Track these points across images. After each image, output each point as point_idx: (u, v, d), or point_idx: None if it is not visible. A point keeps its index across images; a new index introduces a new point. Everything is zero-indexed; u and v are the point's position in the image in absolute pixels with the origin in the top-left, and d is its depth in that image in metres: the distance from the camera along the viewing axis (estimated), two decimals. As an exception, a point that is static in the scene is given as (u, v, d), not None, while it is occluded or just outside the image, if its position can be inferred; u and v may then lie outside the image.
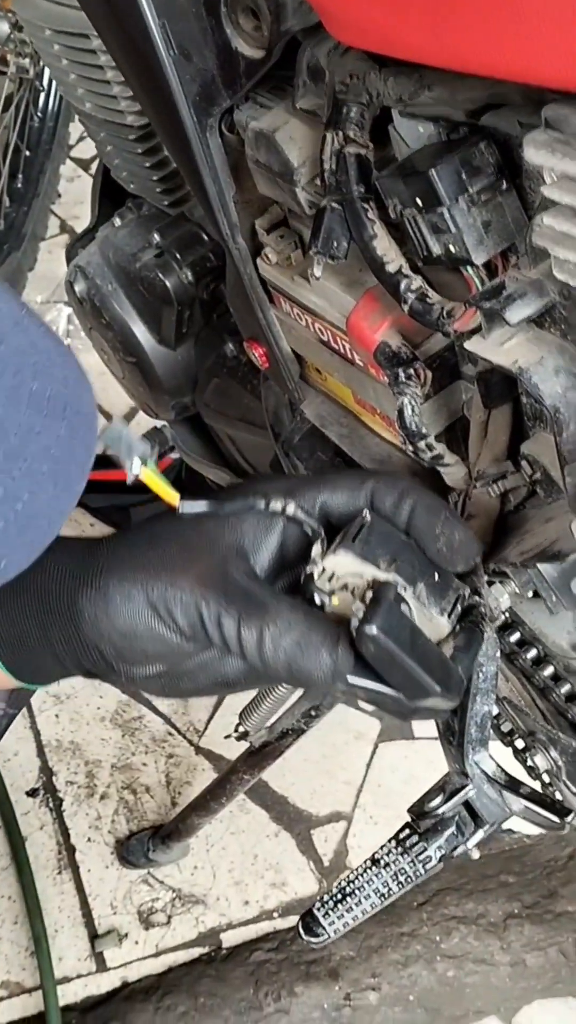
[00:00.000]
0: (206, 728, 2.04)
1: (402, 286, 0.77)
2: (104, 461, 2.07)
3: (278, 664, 0.64)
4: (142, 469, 0.66)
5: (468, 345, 0.72)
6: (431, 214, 0.70)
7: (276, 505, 0.68)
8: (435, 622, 0.69)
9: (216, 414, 1.41)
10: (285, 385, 1.07)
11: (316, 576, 0.67)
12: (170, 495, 0.68)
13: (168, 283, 1.26)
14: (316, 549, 0.68)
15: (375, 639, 0.62)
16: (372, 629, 0.62)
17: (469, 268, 0.73)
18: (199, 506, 0.68)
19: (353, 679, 0.65)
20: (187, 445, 1.58)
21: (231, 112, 0.89)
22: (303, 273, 0.93)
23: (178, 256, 1.25)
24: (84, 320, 1.43)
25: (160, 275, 1.26)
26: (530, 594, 1.18)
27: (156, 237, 1.28)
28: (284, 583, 0.71)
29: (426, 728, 1.88)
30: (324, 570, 0.67)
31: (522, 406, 0.83)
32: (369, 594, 0.65)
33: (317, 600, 0.67)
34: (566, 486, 0.73)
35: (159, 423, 1.62)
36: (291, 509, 0.68)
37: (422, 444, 0.84)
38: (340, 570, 0.67)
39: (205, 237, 1.26)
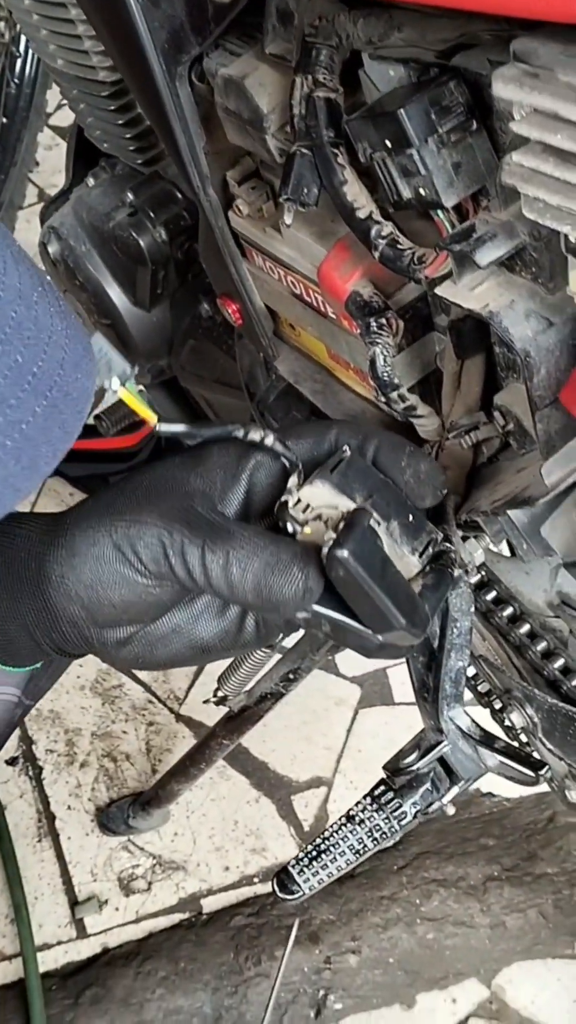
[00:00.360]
0: (186, 696, 2.04)
1: (372, 232, 0.76)
2: (83, 430, 2.05)
3: (246, 587, 0.63)
4: (120, 388, 0.65)
5: (439, 290, 0.72)
6: (401, 156, 0.69)
7: (254, 435, 0.67)
8: (405, 560, 0.69)
9: (192, 376, 1.39)
10: (259, 341, 1.06)
11: (290, 505, 0.66)
12: (148, 414, 0.66)
13: (142, 242, 1.24)
14: (292, 480, 0.67)
15: (345, 562, 0.62)
16: (343, 552, 0.61)
17: (439, 212, 0.72)
18: (177, 427, 0.67)
19: (319, 608, 0.64)
20: (163, 409, 1.57)
21: (200, 61, 0.88)
22: (275, 225, 0.92)
23: (152, 215, 1.24)
24: (58, 282, 1.41)
25: (134, 234, 1.25)
26: (505, 551, 1.18)
27: (129, 196, 1.26)
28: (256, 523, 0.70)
29: (406, 693, 1.88)
30: (299, 500, 0.67)
31: (495, 356, 0.82)
32: (342, 524, 0.64)
33: (289, 528, 0.66)
34: (536, 432, 0.72)
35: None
36: (269, 440, 0.67)
37: (394, 395, 0.83)
38: (315, 501, 0.66)
39: (179, 195, 1.24)
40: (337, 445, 0.68)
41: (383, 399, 0.84)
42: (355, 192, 0.77)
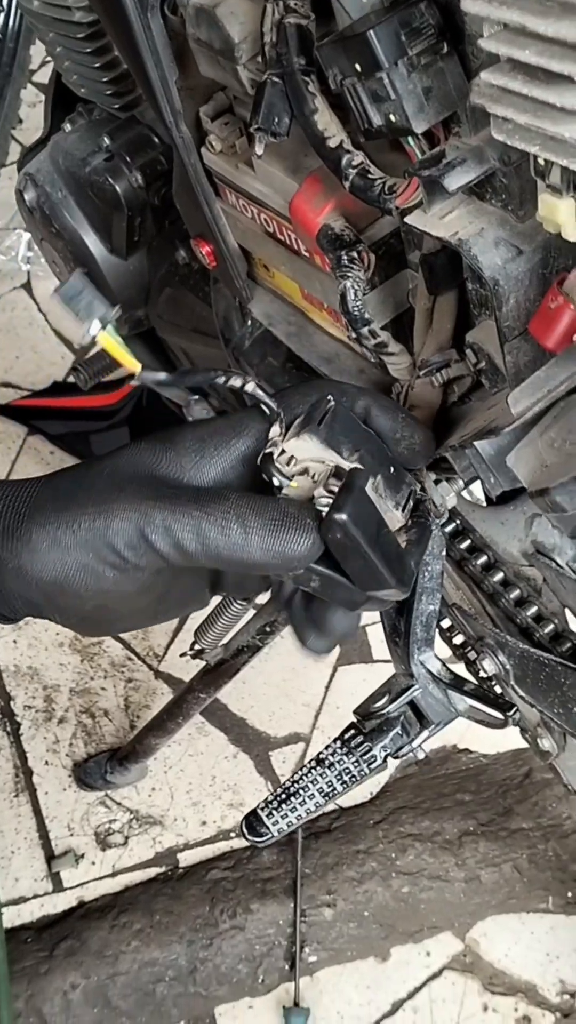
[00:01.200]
0: (165, 653, 2.04)
1: (343, 161, 0.75)
2: (63, 388, 2.05)
3: (251, 550, 0.60)
4: (100, 332, 0.61)
5: (409, 219, 0.71)
6: (371, 81, 0.68)
7: (235, 381, 0.65)
8: (390, 515, 0.69)
9: (169, 326, 1.39)
10: (233, 284, 1.05)
11: (275, 457, 0.65)
12: (130, 361, 0.63)
13: (118, 187, 1.23)
14: (275, 430, 0.66)
15: (344, 526, 0.61)
16: (343, 516, 0.61)
17: (410, 139, 0.71)
18: (159, 375, 0.65)
19: (313, 564, 0.64)
20: (141, 361, 1.55)
21: (173, -9, 0.87)
22: (247, 161, 0.91)
23: (128, 159, 1.23)
24: (35, 230, 1.40)
25: (110, 179, 1.23)
26: (481, 500, 1.18)
27: (106, 140, 1.25)
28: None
29: (385, 651, 1.88)
30: (283, 452, 0.65)
31: (468, 293, 0.82)
32: (333, 481, 0.63)
33: (276, 482, 0.65)
34: (505, 364, 0.71)
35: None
36: (250, 387, 0.65)
37: (365, 330, 0.82)
38: (301, 454, 0.65)
39: (156, 140, 1.23)
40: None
41: (354, 336, 0.84)
42: (326, 121, 0.76)
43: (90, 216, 1.31)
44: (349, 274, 0.81)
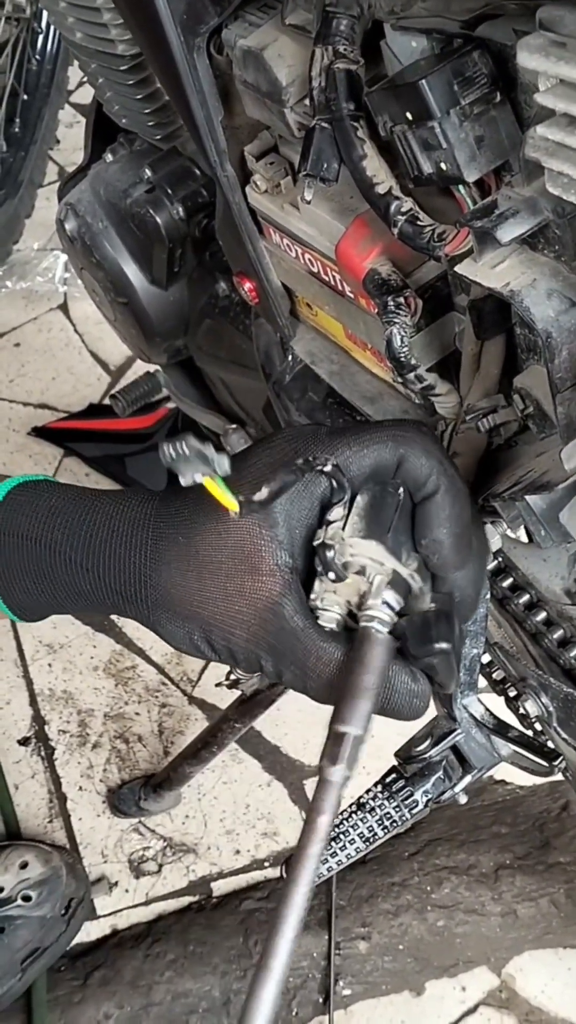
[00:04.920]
0: (199, 678, 2.04)
1: (392, 208, 0.74)
2: (98, 410, 2.05)
3: None
4: (205, 479, 0.64)
5: (459, 268, 0.70)
6: (422, 129, 0.67)
7: (326, 467, 0.66)
8: (424, 597, 0.69)
9: (208, 357, 1.38)
10: (275, 321, 1.05)
11: (335, 553, 0.65)
12: (230, 504, 0.64)
13: (159, 219, 1.23)
14: (338, 512, 0.66)
15: (449, 654, 0.64)
16: (447, 647, 0.64)
17: (461, 188, 0.70)
18: (254, 507, 0.66)
19: None
20: (180, 390, 1.55)
21: (219, 32, 0.86)
22: (293, 201, 0.91)
23: (169, 191, 1.22)
24: (75, 259, 1.40)
25: (151, 211, 1.23)
26: (523, 537, 1.17)
27: (147, 172, 1.25)
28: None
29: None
30: (343, 546, 0.66)
31: (516, 338, 0.81)
32: (388, 593, 0.65)
33: (331, 576, 0.65)
34: (556, 415, 0.70)
35: (152, 368, 1.60)
36: (328, 468, 0.66)
37: (411, 375, 0.81)
38: (362, 552, 0.66)
39: (197, 172, 1.23)
40: (400, 468, 0.67)
41: (400, 380, 0.83)
42: (375, 167, 0.75)
43: (130, 247, 1.31)
44: (396, 319, 0.80)
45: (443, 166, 0.69)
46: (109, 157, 1.34)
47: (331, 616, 0.67)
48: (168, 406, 2.17)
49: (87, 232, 1.33)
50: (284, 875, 0.94)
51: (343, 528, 0.66)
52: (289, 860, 0.62)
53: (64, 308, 2.57)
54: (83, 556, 0.69)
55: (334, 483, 0.66)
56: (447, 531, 0.67)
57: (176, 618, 0.67)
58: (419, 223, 0.74)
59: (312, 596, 0.67)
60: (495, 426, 0.83)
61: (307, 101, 0.80)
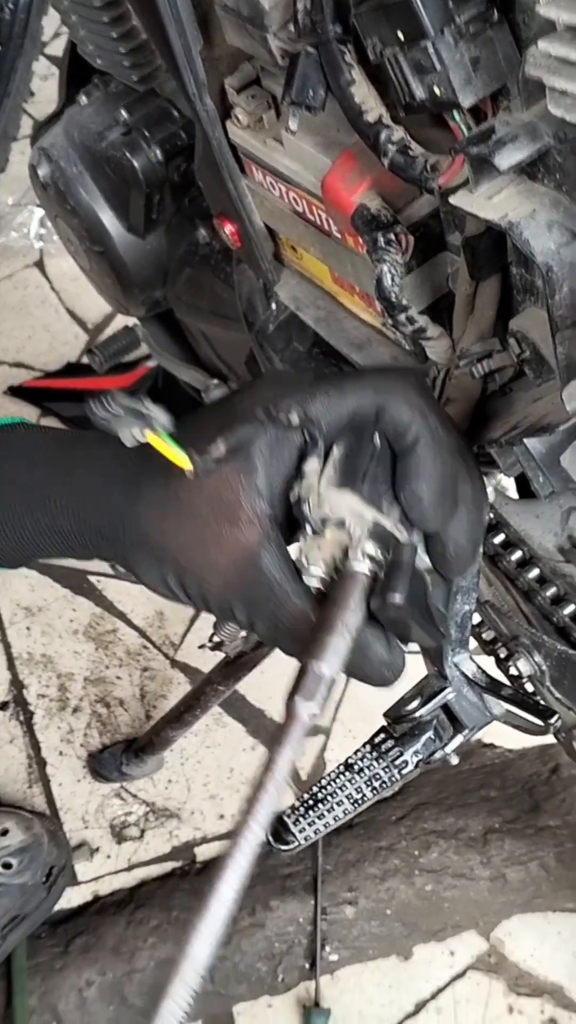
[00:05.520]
0: (182, 641, 2.00)
1: (382, 137, 0.70)
2: (76, 369, 2.00)
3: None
4: (150, 433, 0.61)
5: (453, 200, 0.66)
6: (414, 50, 0.63)
7: (286, 418, 0.64)
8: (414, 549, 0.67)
9: (188, 308, 1.34)
10: (258, 265, 1.00)
11: (311, 507, 0.63)
12: (180, 459, 0.62)
13: (136, 163, 1.18)
14: (312, 465, 0.64)
15: (400, 608, 0.61)
16: (397, 598, 0.60)
17: (456, 114, 0.66)
18: (208, 463, 0.63)
19: None
20: (160, 344, 1.51)
21: (197, -46, 0.81)
22: (276, 136, 0.86)
23: (147, 133, 1.18)
24: (48, 207, 1.35)
25: (127, 154, 1.18)
26: (514, 492, 1.13)
27: (123, 114, 1.20)
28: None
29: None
30: (319, 498, 0.63)
31: (511, 278, 0.77)
32: (369, 545, 0.62)
33: (308, 530, 0.63)
34: (556, 355, 0.66)
35: (130, 321, 1.55)
36: (295, 419, 0.64)
37: (402, 316, 0.77)
38: (339, 504, 0.63)
39: (176, 113, 1.18)
40: (381, 416, 0.64)
41: (390, 322, 0.79)
42: (364, 94, 0.71)
43: (106, 193, 1.26)
44: (386, 257, 0.76)
45: (437, 90, 0.64)
46: (83, 100, 1.28)
47: (315, 572, 0.64)
48: (148, 364, 2.12)
49: (61, 177, 1.28)
50: (270, 840, 0.92)
51: (319, 481, 0.64)
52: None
53: (40, 265, 2.51)
54: (62, 494, 0.67)
55: (306, 435, 0.64)
56: (427, 484, 0.64)
57: (152, 559, 0.65)
58: (411, 153, 0.70)
59: (297, 553, 0.65)
60: (490, 372, 0.79)
61: (291, 26, 0.75)
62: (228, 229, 1.00)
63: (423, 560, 0.68)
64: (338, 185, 0.78)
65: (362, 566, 0.62)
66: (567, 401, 0.64)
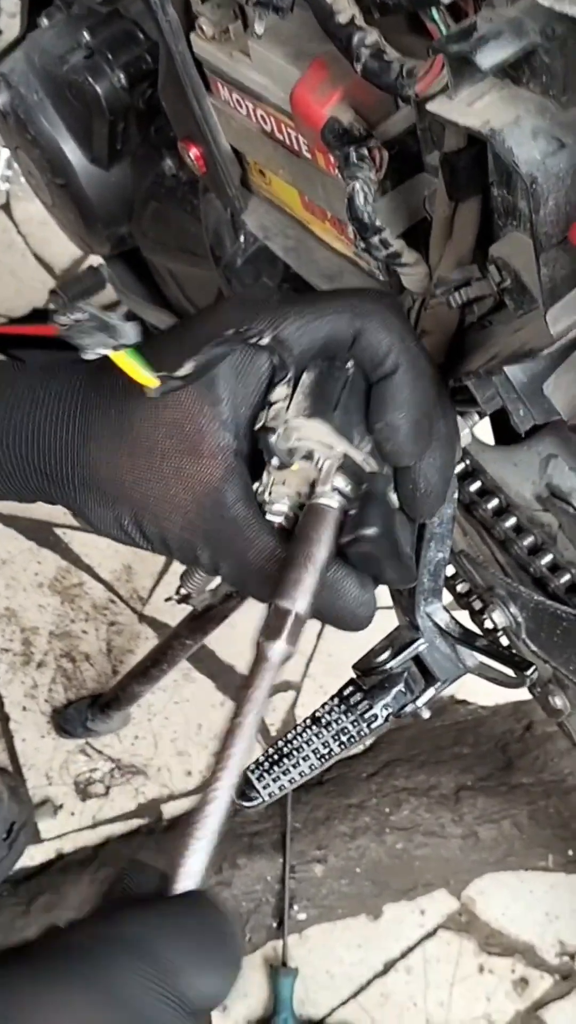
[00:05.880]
0: (150, 595, 1.96)
1: (355, 40, 0.65)
2: (43, 315, 1.92)
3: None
4: (112, 352, 0.56)
5: (431, 107, 0.60)
6: None
7: (262, 340, 0.59)
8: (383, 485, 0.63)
9: (155, 244, 1.28)
10: (225, 192, 0.95)
11: (278, 434, 0.59)
12: (147, 380, 0.56)
13: (99, 88, 1.12)
14: (280, 392, 0.60)
15: (373, 542, 0.58)
16: (371, 531, 0.57)
17: (434, 13, 0.61)
18: (174, 384, 0.57)
19: None
20: (125, 285, 1.45)
21: None
22: (243, 48, 0.80)
23: (110, 57, 1.12)
24: (8, 137, 1.29)
25: (90, 79, 1.12)
26: (490, 440, 1.09)
27: (86, 36, 1.14)
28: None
29: (381, 598, 1.81)
30: (287, 428, 0.59)
31: (492, 201, 0.72)
32: (339, 478, 0.58)
33: (275, 463, 0.59)
34: (540, 278, 0.62)
35: (96, 261, 1.49)
36: (267, 340, 0.59)
37: (375, 239, 0.72)
38: (308, 435, 0.59)
39: (141, 36, 1.12)
40: (357, 342, 0.60)
41: (362, 246, 0.74)
42: (335, -8, 0.65)
43: (68, 121, 1.20)
44: (358, 174, 0.70)
45: (414, -17, 0.59)
46: (45, 22, 1.22)
47: (279, 509, 0.60)
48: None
49: (21, 105, 1.22)
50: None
51: (287, 409, 0.59)
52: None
53: (6, 208, 2.44)
54: (4, 432, 0.61)
55: (275, 359, 0.59)
56: (404, 415, 0.60)
57: (105, 500, 0.60)
58: (386, 57, 0.65)
59: (259, 488, 0.60)
60: (468, 301, 0.74)
61: None
62: (193, 153, 0.94)
63: (391, 498, 0.63)
64: (308, 97, 0.73)
65: (331, 500, 0.58)
66: (551, 324, 0.60)
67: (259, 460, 0.61)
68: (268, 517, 0.60)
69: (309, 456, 0.59)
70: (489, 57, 0.56)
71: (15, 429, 0.61)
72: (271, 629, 0.55)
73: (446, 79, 0.60)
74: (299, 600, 0.55)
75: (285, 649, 0.55)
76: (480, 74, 0.58)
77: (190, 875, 0.51)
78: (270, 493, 0.60)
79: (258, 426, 0.59)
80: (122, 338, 0.56)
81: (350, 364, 0.60)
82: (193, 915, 0.50)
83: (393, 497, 0.63)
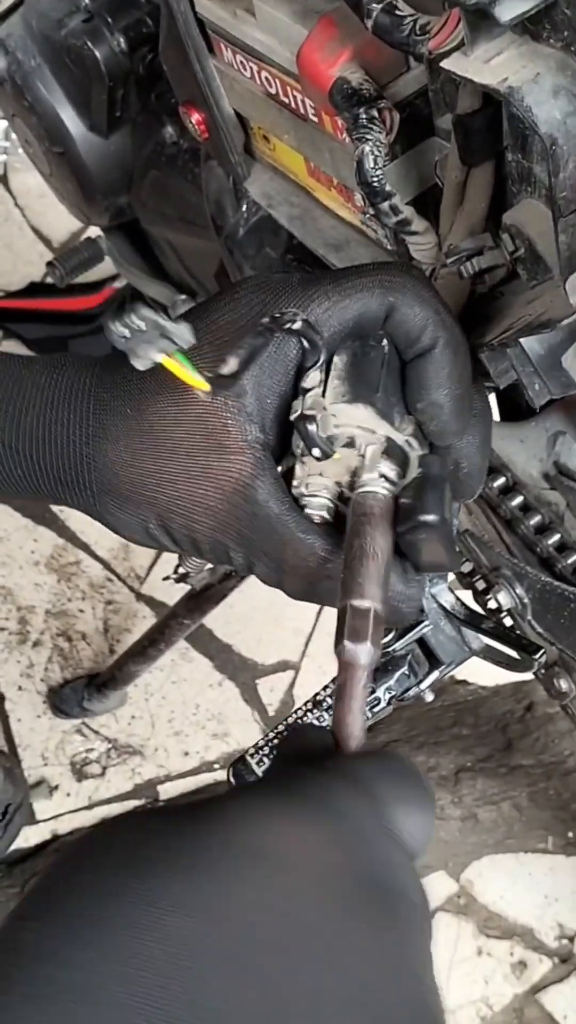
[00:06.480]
0: (148, 574, 1.94)
1: (366, -6, 0.62)
2: (40, 289, 1.89)
3: None
4: (165, 358, 0.53)
5: (446, 64, 0.58)
6: None
7: (294, 325, 0.55)
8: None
9: (154, 215, 1.25)
10: (227, 158, 0.92)
11: (317, 426, 0.55)
12: (200, 384, 0.54)
13: (98, 53, 1.09)
14: (314, 378, 0.56)
15: (437, 527, 0.54)
16: (432, 518, 0.54)
17: (450, -35, 0.58)
18: (225, 383, 0.55)
19: None
20: (124, 257, 1.42)
21: None
22: (247, 7, 0.78)
23: (109, 20, 1.09)
24: (5, 104, 1.26)
25: (88, 43, 1.09)
26: (496, 416, 1.07)
27: (85, -1, 1.11)
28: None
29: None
30: (325, 414, 0.56)
31: (506, 166, 0.69)
32: (384, 463, 0.55)
33: (316, 453, 0.55)
34: (558, 245, 0.59)
35: (94, 232, 1.46)
36: (299, 324, 0.55)
37: (385, 205, 0.70)
38: (346, 418, 0.56)
39: (141, -1, 1.09)
40: (390, 320, 0.57)
41: (371, 213, 0.71)
42: (345, -56, 0.62)
43: (67, 88, 1.17)
44: (368, 136, 0.68)
45: None
46: (43, -16, 1.19)
47: (320, 503, 0.57)
48: (115, 285, 2.04)
49: (18, 71, 1.19)
50: (232, 779, 0.86)
51: (323, 395, 0.56)
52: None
53: (3, 180, 2.41)
54: (12, 436, 0.58)
55: (305, 343, 0.56)
56: (447, 392, 0.57)
57: (128, 504, 0.57)
58: (398, 12, 0.62)
59: (295, 482, 0.57)
60: (480, 271, 0.72)
61: None
62: (195, 118, 0.91)
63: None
64: (315, 56, 0.70)
65: (380, 487, 0.55)
66: (571, 293, 0.57)
67: (283, 453, 0.58)
68: (308, 511, 0.57)
69: (351, 443, 0.56)
70: (508, 10, 0.54)
71: (25, 432, 0.58)
72: (353, 632, 0.51)
73: (461, 34, 0.58)
74: (374, 596, 0.51)
75: (372, 651, 0.51)
76: (498, 29, 0.55)
77: (355, 737, 0.48)
78: (307, 486, 0.57)
79: (294, 415, 0.56)
80: (178, 341, 0.53)
81: (385, 342, 0.57)
82: (386, 763, 0.47)
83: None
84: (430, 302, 0.57)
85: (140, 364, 0.53)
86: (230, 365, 0.55)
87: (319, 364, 0.56)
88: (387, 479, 0.55)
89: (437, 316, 0.57)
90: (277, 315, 0.55)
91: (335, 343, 0.57)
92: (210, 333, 0.57)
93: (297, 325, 0.55)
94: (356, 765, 0.46)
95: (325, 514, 0.57)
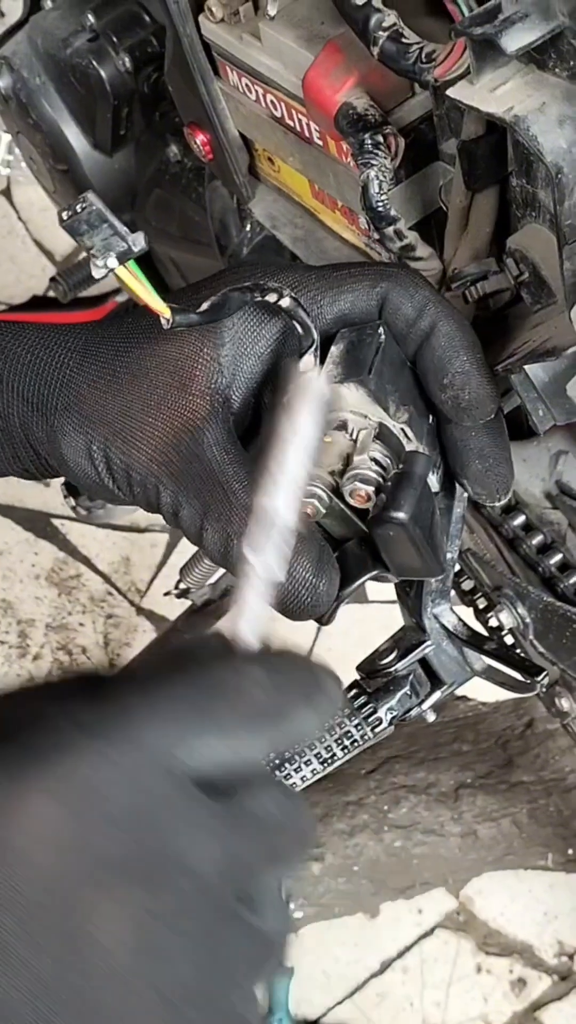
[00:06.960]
0: (148, 588, 1.95)
1: (372, 22, 0.63)
2: (43, 302, 1.89)
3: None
4: (120, 267, 0.52)
5: (452, 92, 0.58)
6: None
7: (271, 296, 0.56)
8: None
9: (158, 233, 1.26)
10: (232, 179, 0.93)
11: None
12: (157, 303, 0.53)
13: (103, 72, 1.10)
14: (308, 362, 0.56)
15: (404, 526, 0.53)
16: (402, 516, 0.53)
17: (456, -6, 0.59)
18: (191, 318, 0.55)
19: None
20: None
21: None
22: (253, 31, 0.78)
23: (115, 40, 1.10)
24: (9, 121, 1.27)
25: (94, 62, 1.10)
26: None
27: (90, 18, 1.12)
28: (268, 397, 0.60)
29: (381, 591, 1.79)
30: None
31: (510, 191, 0.70)
32: (376, 447, 0.55)
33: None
34: (563, 272, 0.60)
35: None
36: (287, 302, 0.55)
37: (390, 230, 0.70)
38: (341, 403, 0.56)
39: (147, 19, 1.11)
40: (385, 308, 0.58)
41: (375, 237, 0.72)
42: (351, -29, 0.63)
43: (71, 106, 1.18)
44: (373, 162, 0.68)
45: (436, -37, 0.57)
46: (48, 4, 1.21)
47: (315, 492, 0.57)
48: (117, 299, 2.05)
49: (23, 89, 1.20)
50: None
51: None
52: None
53: (7, 193, 2.43)
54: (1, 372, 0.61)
55: (297, 327, 0.56)
56: (468, 357, 0.58)
57: (82, 424, 0.58)
58: (404, 40, 0.63)
59: None
60: (484, 295, 0.72)
61: None
62: (199, 139, 0.92)
63: (431, 481, 0.60)
64: (321, 82, 0.70)
65: (369, 469, 0.55)
66: None
67: (251, 431, 0.59)
68: (307, 510, 0.56)
69: (343, 426, 0.56)
70: (515, 40, 0.54)
71: (11, 363, 0.61)
72: (251, 535, 0.47)
73: (467, 63, 0.58)
74: (284, 504, 0.47)
75: (265, 561, 0.47)
76: (504, 58, 0.56)
77: (243, 640, 0.46)
78: None
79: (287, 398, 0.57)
80: (131, 243, 0.52)
81: (381, 331, 0.58)
82: (276, 666, 0.48)
83: (433, 480, 0.61)
84: (423, 287, 0.58)
85: (96, 272, 0.53)
86: (202, 306, 0.55)
87: (313, 348, 0.56)
88: (378, 463, 0.55)
89: (433, 297, 0.58)
90: (261, 281, 0.56)
91: (329, 329, 0.58)
92: (202, 289, 0.59)
93: (286, 303, 0.55)
94: (228, 671, 0.45)
95: (321, 507, 0.57)
